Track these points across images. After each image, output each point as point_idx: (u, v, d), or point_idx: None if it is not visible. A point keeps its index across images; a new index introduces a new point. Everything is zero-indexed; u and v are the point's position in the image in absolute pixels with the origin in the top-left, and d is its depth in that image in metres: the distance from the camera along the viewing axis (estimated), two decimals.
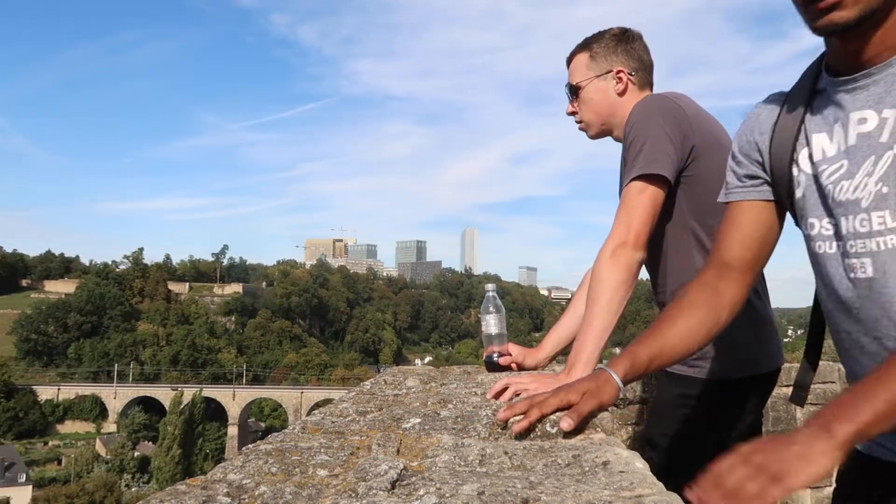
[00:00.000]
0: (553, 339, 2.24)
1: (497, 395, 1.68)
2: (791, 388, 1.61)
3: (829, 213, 1.22)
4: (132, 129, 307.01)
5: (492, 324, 2.16)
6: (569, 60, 2.17)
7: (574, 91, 2.15)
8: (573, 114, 2.18)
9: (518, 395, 1.65)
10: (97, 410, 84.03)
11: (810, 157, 1.24)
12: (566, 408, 1.32)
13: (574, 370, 1.72)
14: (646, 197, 1.83)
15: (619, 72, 2.08)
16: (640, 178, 1.84)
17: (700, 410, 1.95)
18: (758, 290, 1.98)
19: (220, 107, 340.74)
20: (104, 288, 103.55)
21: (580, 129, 2.20)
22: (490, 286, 2.24)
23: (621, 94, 2.09)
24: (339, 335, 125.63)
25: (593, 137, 2.21)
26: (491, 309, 2.18)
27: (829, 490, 4.16)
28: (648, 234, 1.84)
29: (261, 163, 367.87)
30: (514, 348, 2.18)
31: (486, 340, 2.19)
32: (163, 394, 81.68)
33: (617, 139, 2.15)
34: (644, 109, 1.93)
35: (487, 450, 1.16)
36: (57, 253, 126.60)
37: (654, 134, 1.86)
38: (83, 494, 44.82)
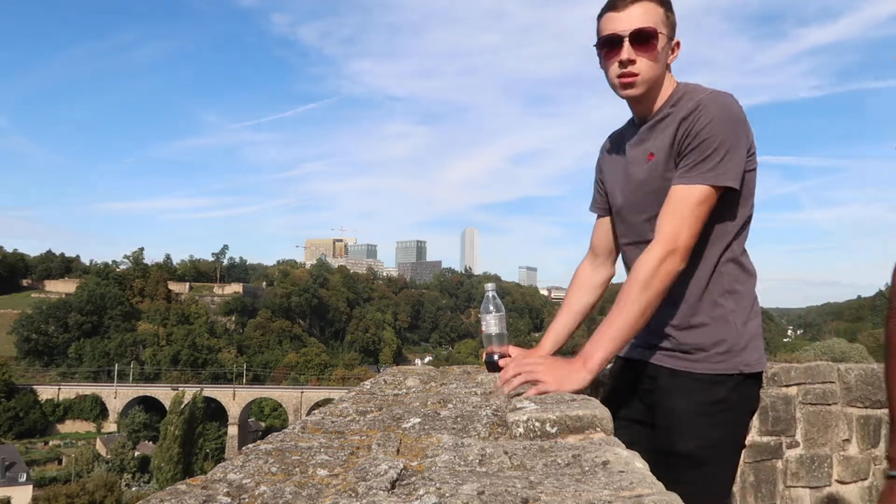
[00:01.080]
0: (552, 338, 2.23)
1: (507, 383, 1.72)
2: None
3: None
4: (132, 128, 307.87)
5: (492, 324, 2.12)
6: (623, 4, 1.85)
7: (642, 38, 1.83)
8: (631, 62, 1.84)
9: (528, 383, 1.69)
10: (97, 410, 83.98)
11: None
12: None
13: (591, 362, 1.73)
14: (705, 208, 1.77)
15: (678, 43, 1.93)
16: (707, 185, 1.75)
17: (737, 411, 1.88)
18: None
19: (220, 107, 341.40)
20: (104, 288, 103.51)
21: (625, 82, 1.87)
22: (490, 286, 2.19)
23: (668, 67, 1.92)
24: (339, 335, 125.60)
25: (631, 96, 1.91)
26: (491, 308, 2.13)
27: (828, 490, 4.16)
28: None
29: (261, 163, 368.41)
30: (514, 350, 2.15)
31: (485, 340, 2.15)
32: (163, 394, 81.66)
33: (643, 110, 1.95)
34: (733, 110, 1.80)
35: (487, 450, 1.16)
36: (57, 253, 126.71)
37: (739, 143, 1.78)
38: (83, 494, 44.72)
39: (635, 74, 1.85)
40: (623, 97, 1.93)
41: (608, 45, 1.86)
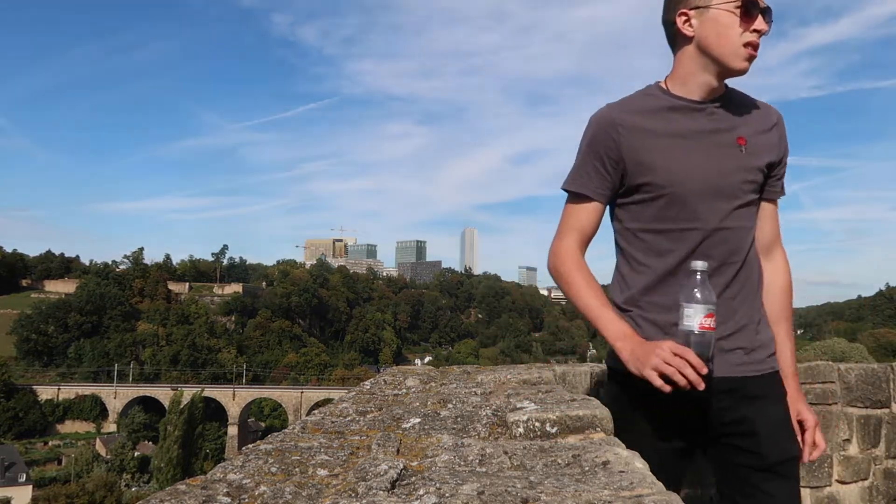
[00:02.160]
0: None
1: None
2: None
3: None
4: (133, 128, 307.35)
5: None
6: None
7: (769, 18, 1.74)
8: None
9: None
10: (97, 410, 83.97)
11: None
12: None
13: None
14: None
15: None
16: None
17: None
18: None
19: (220, 107, 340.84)
20: (104, 288, 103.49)
21: (754, 54, 1.74)
22: (700, 264, 1.65)
23: None
24: (339, 335, 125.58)
25: (744, 71, 1.76)
26: (698, 296, 1.62)
27: (829, 490, 4.16)
28: None
29: (261, 163, 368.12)
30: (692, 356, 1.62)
31: (683, 338, 1.61)
32: (163, 394, 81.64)
33: (718, 90, 1.82)
34: None
35: (487, 450, 1.16)
36: (57, 253, 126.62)
37: None
38: (83, 494, 44.74)
39: (758, 45, 1.73)
40: (737, 70, 1.75)
41: (747, 10, 1.70)
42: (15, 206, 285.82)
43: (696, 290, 1.62)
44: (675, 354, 1.57)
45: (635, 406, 1.75)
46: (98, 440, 75.71)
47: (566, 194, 1.92)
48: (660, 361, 1.57)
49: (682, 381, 1.55)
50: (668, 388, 1.56)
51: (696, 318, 1.59)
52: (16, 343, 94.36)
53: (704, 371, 1.55)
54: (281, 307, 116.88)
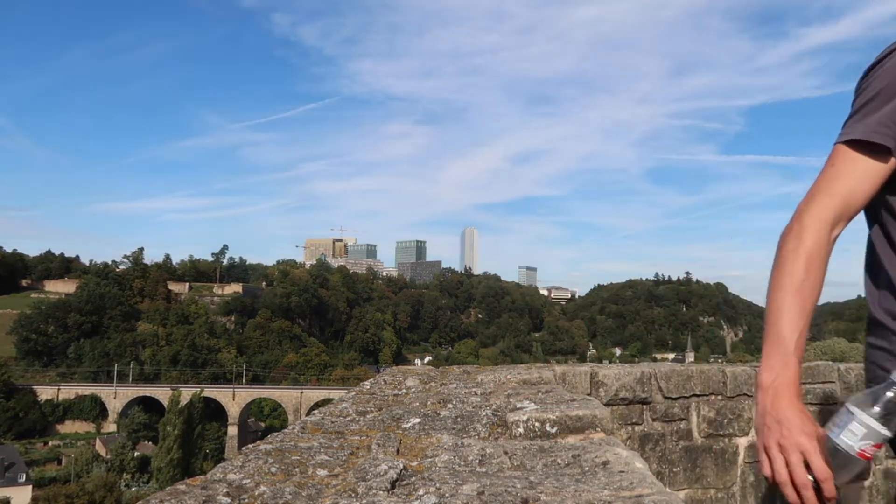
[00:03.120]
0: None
1: None
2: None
3: None
4: (133, 129, 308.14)
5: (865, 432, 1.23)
6: None
7: None
8: None
9: None
10: (97, 410, 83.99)
11: None
12: None
13: None
14: None
15: None
16: None
17: None
18: None
19: (220, 107, 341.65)
20: (104, 288, 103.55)
21: None
22: None
23: None
24: (338, 335, 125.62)
25: None
26: (877, 409, 1.22)
27: None
28: None
29: (261, 163, 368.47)
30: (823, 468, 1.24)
31: (829, 448, 1.23)
32: (162, 394, 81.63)
33: None
34: None
35: (487, 450, 1.17)
36: (57, 253, 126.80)
37: None
38: (83, 494, 44.74)
39: None
40: None
41: None
42: (15, 206, 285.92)
43: (881, 405, 1.23)
44: (805, 465, 1.20)
45: None
46: (98, 440, 75.71)
47: (835, 147, 1.44)
48: (778, 455, 1.22)
49: (791, 498, 1.21)
50: (770, 477, 1.24)
51: (862, 439, 1.21)
52: (16, 343, 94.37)
53: (833, 501, 1.20)
54: (281, 307, 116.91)
